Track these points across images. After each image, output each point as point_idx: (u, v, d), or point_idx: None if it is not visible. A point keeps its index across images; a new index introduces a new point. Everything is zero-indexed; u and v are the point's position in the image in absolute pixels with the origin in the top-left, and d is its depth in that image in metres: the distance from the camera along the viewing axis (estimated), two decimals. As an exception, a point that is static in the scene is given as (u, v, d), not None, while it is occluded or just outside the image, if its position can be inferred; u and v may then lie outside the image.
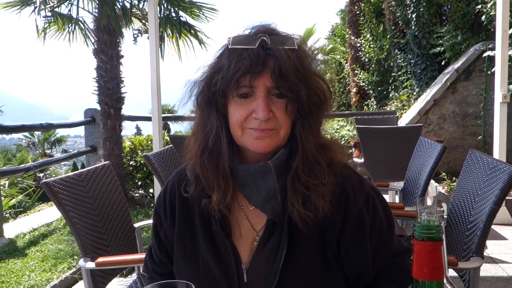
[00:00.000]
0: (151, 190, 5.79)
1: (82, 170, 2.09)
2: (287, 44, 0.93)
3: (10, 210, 6.61)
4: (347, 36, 11.69)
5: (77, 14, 5.37)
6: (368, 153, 4.25)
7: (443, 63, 7.30)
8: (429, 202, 4.99)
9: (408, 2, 7.95)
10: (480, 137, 6.09)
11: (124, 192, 2.42)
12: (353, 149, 5.50)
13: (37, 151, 18.63)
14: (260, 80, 0.91)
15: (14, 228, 4.73)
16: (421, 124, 4.30)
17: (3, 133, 5.61)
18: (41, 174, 10.93)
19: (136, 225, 2.33)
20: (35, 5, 5.01)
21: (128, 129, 6.40)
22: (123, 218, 2.25)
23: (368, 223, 1.01)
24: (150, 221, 2.48)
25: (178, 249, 1.08)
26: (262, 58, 0.90)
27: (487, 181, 1.78)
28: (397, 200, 4.46)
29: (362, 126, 4.26)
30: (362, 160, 4.52)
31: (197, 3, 5.71)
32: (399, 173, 4.03)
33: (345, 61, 12.69)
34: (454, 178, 5.43)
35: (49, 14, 5.28)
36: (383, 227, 1.04)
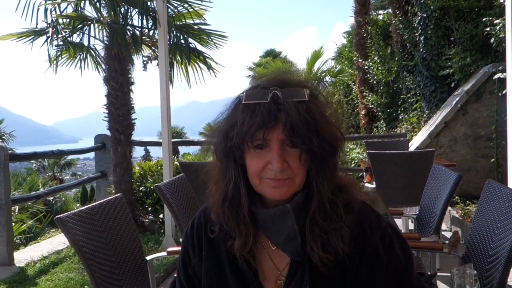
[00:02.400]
0: (161, 216, 5.76)
1: (94, 204, 2.09)
2: (298, 96, 0.96)
3: (20, 236, 6.61)
4: (354, 58, 11.74)
5: (89, 42, 5.46)
6: (380, 178, 4.20)
7: (452, 85, 7.27)
8: (444, 226, 4.90)
9: (415, 25, 7.98)
10: (493, 159, 6.01)
11: (134, 219, 2.41)
12: (364, 173, 5.45)
13: (47, 175, 18.76)
14: (273, 133, 0.95)
15: (25, 256, 4.71)
16: (434, 149, 4.26)
17: (16, 161, 5.66)
18: (51, 198, 10.96)
19: (148, 257, 2.31)
20: (48, 35, 5.10)
21: (136, 151, 6.41)
22: (135, 251, 2.23)
23: (385, 260, 1.02)
24: (162, 254, 2.46)
25: (205, 285, 1.12)
26: (274, 113, 0.94)
27: (507, 213, 1.74)
28: (410, 226, 4.41)
29: (373, 151, 4.23)
30: (374, 185, 4.47)
31: (206, 30, 5.78)
32: (412, 199, 3.98)
33: (353, 83, 12.73)
34: (467, 201, 5.35)
35: (60, 43, 5.36)
36: (401, 264, 1.03)
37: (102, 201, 2.15)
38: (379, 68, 9.95)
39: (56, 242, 5.36)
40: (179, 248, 2.63)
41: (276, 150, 0.96)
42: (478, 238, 1.91)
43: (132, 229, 2.24)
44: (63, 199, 11.57)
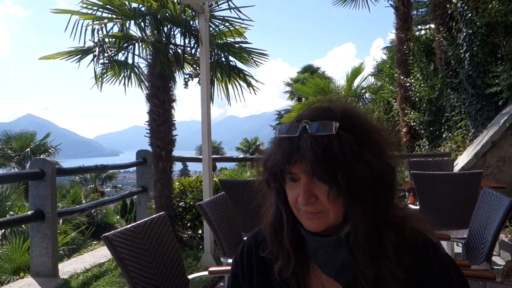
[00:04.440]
0: (199, 232, 5.79)
1: (139, 222, 2.11)
2: (323, 130, 0.93)
3: (64, 247, 6.79)
4: (396, 75, 11.54)
5: (133, 61, 5.61)
6: (424, 200, 4.07)
7: (500, 103, 7.01)
8: (498, 261, 4.68)
9: (460, 41, 7.78)
10: (544, 181, 5.74)
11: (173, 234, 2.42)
12: (407, 194, 5.30)
13: (89, 187, 19.32)
14: (298, 168, 0.94)
15: (68, 268, 4.83)
16: (481, 171, 4.09)
17: (63, 175, 5.85)
18: (92, 210, 11.26)
19: (190, 276, 2.31)
20: (94, 54, 5.28)
21: (175, 164, 6.51)
22: (177, 270, 2.24)
23: None
24: (203, 273, 2.47)
25: None
26: (298, 148, 0.93)
27: None
28: (456, 250, 4.24)
29: (418, 172, 4.10)
30: (418, 207, 4.33)
31: (247, 48, 5.83)
32: (458, 222, 3.82)
33: (393, 100, 12.50)
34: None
35: (106, 61, 5.53)
36: None
37: (146, 219, 2.17)
38: (422, 85, 9.73)
39: (98, 255, 5.47)
40: (221, 268, 2.64)
41: (303, 184, 0.95)
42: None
43: (175, 248, 2.25)
44: (104, 211, 11.85)
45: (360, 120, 0.99)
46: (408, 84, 10.45)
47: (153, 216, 2.23)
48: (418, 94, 9.90)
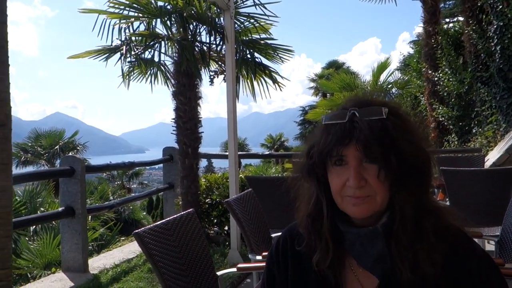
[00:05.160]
0: (225, 228, 5.82)
1: (169, 219, 2.13)
2: (375, 114, 0.99)
3: (93, 243, 6.93)
4: (423, 69, 11.32)
5: (159, 59, 5.67)
6: (454, 196, 3.98)
7: (533, 97, 6.82)
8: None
9: (491, 34, 7.58)
10: None
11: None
12: (436, 190, 5.19)
13: (116, 183, 19.67)
14: (348, 150, 0.98)
15: (98, 263, 4.92)
16: (515, 167, 3.98)
17: (92, 172, 5.97)
18: (120, 206, 11.44)
19: (218, 273, 2.32)
20: (122, 53, 5.35)
21: (201, 161, 6.56)
22: (206, 266, 2.25)
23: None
24: (232, 270, 2.47)
25: None
26: (349, 131, 0.98)
27: None
28: (488, 248, 4.13)
29: (448, 168, 4.01)
30: (447, 203, 4.24)
31: (273, 45, 5.81)
32: (490, 219, 3.72)
33: (421, 95, 12.27)
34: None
35: (133, 59, 5.60)
36: None
37: (175, 216, 2.19)
38: (450, 79, 9.53)
39: (126, 250, 5.56)
40: (249, 264, 2.64)
41: (353, 166, 0.98)
42: None
43: (204, 244, 2.27)
44: (131, 207, 12.03)
45: (402, 110, 1.06)
46: (436, 79, 10.24)
47: (182, 213, 2.25)
48: (446, 89, 9.69)
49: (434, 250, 0.98)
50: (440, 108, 10.13)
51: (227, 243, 5.44)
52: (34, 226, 6.32)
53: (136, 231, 1.83)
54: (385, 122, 0.97)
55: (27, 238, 6.01)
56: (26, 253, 5.46)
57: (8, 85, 2.50)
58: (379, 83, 13.39)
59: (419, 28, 11.98)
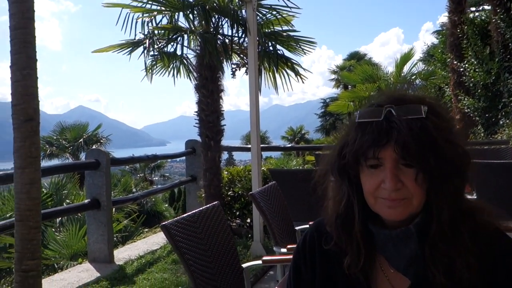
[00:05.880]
0: (248, 220, 5.83)
1: (195, 211, 2.14)
2: (414, 113, 0.93)
3: (117, 234, 7.04)
4: (448, 60, 11.08)
5: (182, 52, 5.69)
6: (482, 190, 3.89)
7: None
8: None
9: (519, 23, 7.37)
10: None
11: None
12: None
13: (139, 176, 19.90)
14: (385, 152, 0.93)
15: (123, 255, 5.01)
16: (546, 159, 3.87)
17: (116, 165, 6.04)
18: (144, 198, 11.58)
19: (244, 265, 2.32)
20: (145, 46, 5.39)
21: (223, 153, 6.57)
22: (231, 258, 2.26)
23: None
24: (257, 262, 2.47)
25: None
26: (385, 131, 0.92)
27: None
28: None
29: (475, 161, 3.92)
30: (474, 196, 4.15)
31: (295, 37, 5.77)
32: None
33: (446, 86, 12.03)
34: None
35: (156, 53, 5.63)
36: None
37: (201, 208, 2.20)
38: (477, 69, 9.31)
39: (150, 242, 5.64)
40: (274, 257, 2.64)
41: (389, 168, 0.93)
42: None
43: (229, 237, 2.28)
44: (153, 199, 12.17)
45: (440, 107, 1.00)
46: (461, 69, 10.01)
47: (208, 205, 2.26)
48: (472, 79, 9.48)
49: (470, 253, 0.94)
50: (466, 99, 9.91)
51: (249, 235, 5.46)
52: (60, 218, 6.45)
53: (164, 223, 1.85)
54: (425, 122, 0.92)
55: (53, 229, 6.14)
56: (53, 244, 5.59)
57: (36, 80, 2.55)
58: (402, 74, 13.17)
59: (443, 18, 11.75)
